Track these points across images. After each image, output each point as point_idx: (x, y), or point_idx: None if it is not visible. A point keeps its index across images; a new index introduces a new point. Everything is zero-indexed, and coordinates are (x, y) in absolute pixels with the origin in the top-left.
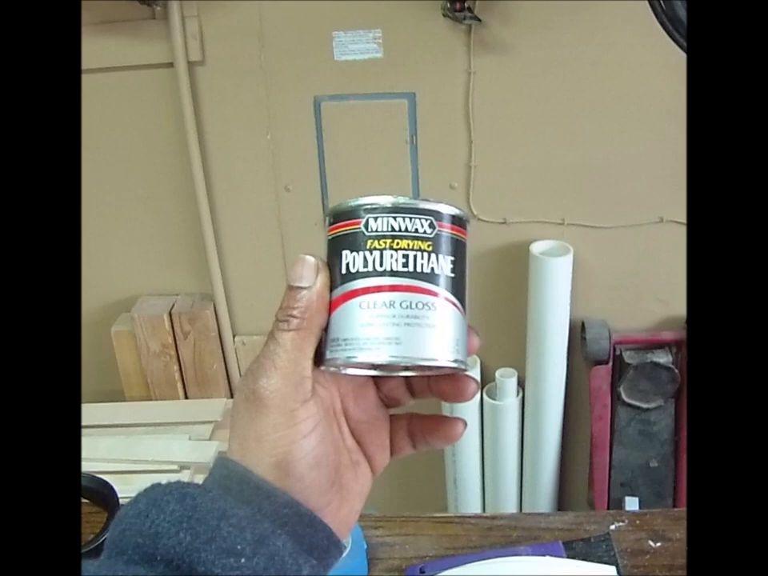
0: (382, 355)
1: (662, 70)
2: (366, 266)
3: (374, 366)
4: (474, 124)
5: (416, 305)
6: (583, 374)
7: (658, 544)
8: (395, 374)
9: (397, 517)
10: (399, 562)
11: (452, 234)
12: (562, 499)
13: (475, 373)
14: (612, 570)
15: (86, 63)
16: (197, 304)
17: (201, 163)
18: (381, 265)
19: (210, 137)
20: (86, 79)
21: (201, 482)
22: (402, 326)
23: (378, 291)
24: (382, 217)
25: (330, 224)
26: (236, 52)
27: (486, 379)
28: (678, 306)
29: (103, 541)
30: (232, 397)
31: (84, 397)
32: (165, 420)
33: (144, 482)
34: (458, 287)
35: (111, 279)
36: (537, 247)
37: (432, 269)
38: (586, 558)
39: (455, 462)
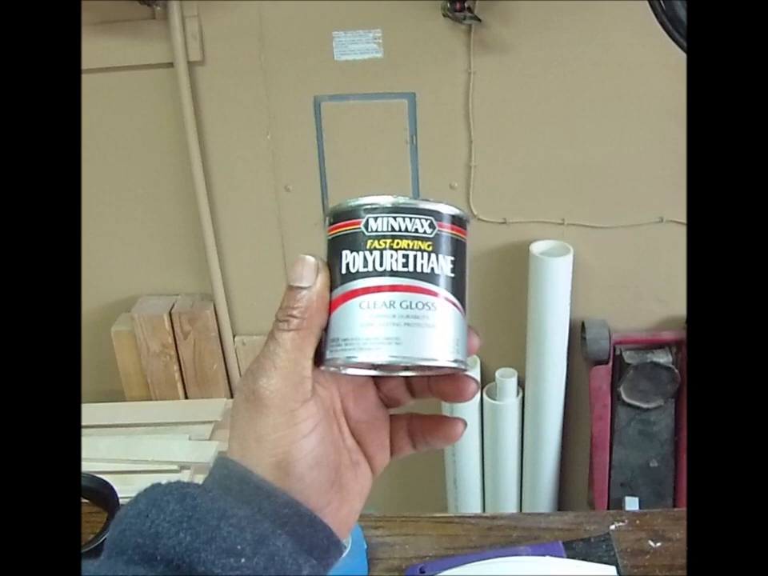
0: (382, 355)
1: (662, 70)
2: (366, 266)
3: (374, 366)
4: (474, 124)
5: (416, 305)
6: (583, 374)
7: (658, 544)
8: (395, 374)
9: (397, 517)
10: (399, 562)
11: (452, 234)
12: (562, 499)
13: (475, 373)
14: (612, 570)
15: (86, 63)
16: (197, 304)
17: (201, 163)
18: (381, 265)
19: (210, 137)
20: (86, 79)
21: (201, 482)
22: (402, 326)
23: (378, 291)
24: (382, 217)
25: (330, 224)
26: (236, 52)
27: (486, 379)
28: (678, 305)
29: (103, 541)
30: (232, 397)
31: (84, 397)
32: (165, 420)
33: (144, 482)
34: (458, 287)
35: (111, 279)
36: (537, 247)
37: (432, 269)
38: (586, 558)
39: (455, 462)
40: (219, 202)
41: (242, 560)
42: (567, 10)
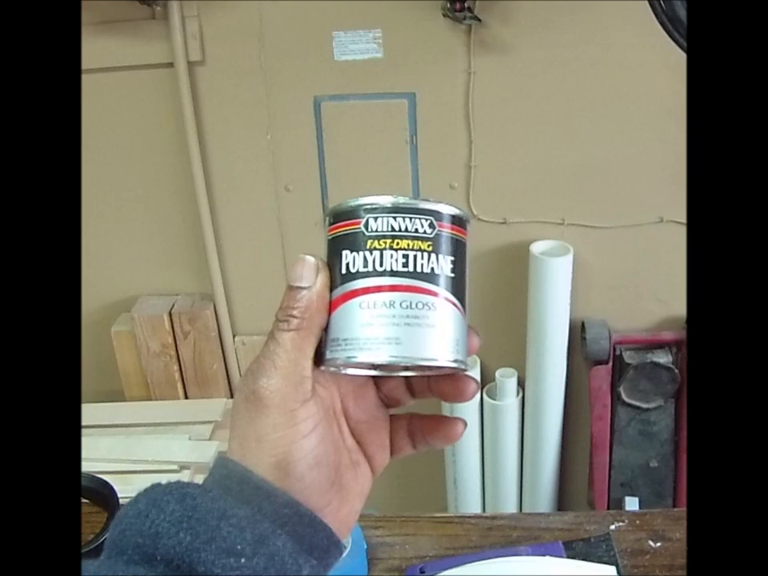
0: (382, 355)
1: (662, 70)
2: (366, 266)
3: (374, 366)
4: (474, 124)
5: (416, 305)
6: (583, 374)
7: (658, 544)
8: (395, 374)
9: (397, 517)
10: (399, 562)
11: (452, 234)
12: (562, 499)
13: (475, 373)
14: (612, 570)
15: (86, 63)
16: (197, 304)
17: (201, 163)
18: (381, 265)
19: (210, 137)
20: (86, 79)
21: (201, 482)
22: (402, 326)
23: (378, 291)
24: (382, 217)
25: (330, 224)
26: (236, 52)
27: (486, 379)
28: (678, 305)
29: (103, 541)
30: (232, 397)
31: (84, 397)
32: (165, 420)
33: (144, 482)
34: (458, 287)
35: (111, 279)
36: (537, 247)
37: (432, 269)
38: (586, 558)
39: (455, 462)
40: (219, 201)
41: (242, 560)
42: (567, 9)
